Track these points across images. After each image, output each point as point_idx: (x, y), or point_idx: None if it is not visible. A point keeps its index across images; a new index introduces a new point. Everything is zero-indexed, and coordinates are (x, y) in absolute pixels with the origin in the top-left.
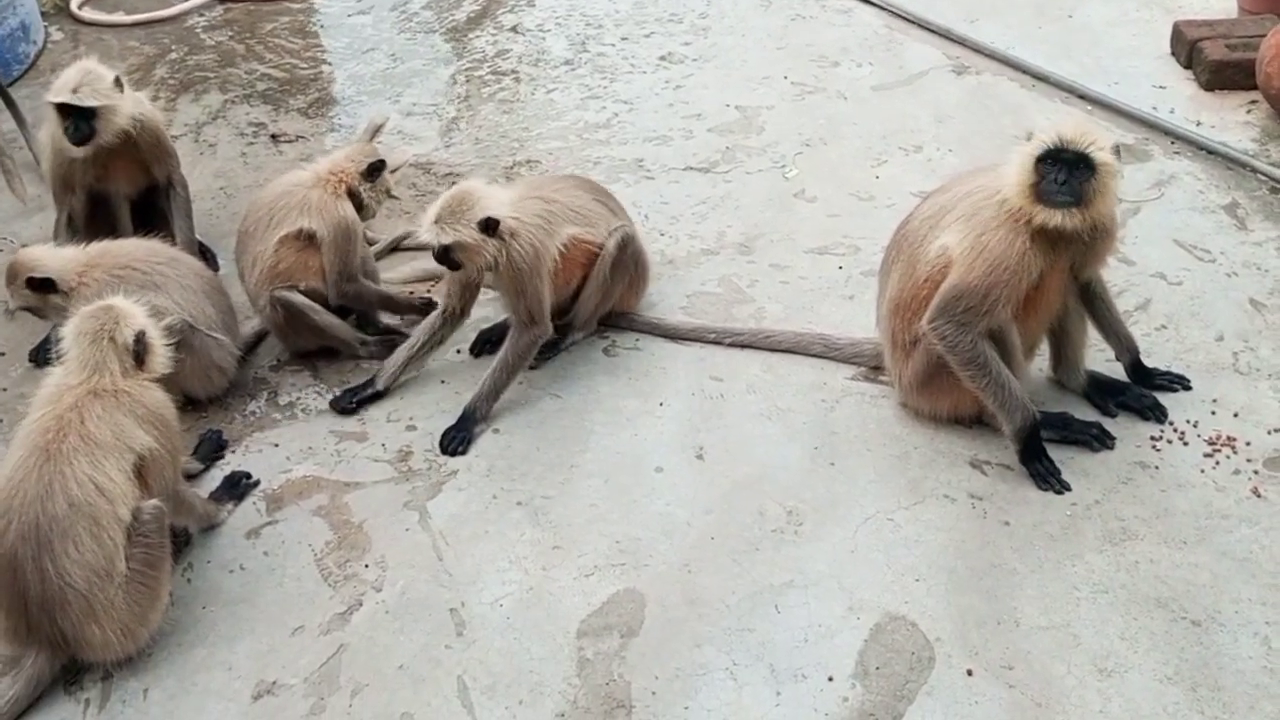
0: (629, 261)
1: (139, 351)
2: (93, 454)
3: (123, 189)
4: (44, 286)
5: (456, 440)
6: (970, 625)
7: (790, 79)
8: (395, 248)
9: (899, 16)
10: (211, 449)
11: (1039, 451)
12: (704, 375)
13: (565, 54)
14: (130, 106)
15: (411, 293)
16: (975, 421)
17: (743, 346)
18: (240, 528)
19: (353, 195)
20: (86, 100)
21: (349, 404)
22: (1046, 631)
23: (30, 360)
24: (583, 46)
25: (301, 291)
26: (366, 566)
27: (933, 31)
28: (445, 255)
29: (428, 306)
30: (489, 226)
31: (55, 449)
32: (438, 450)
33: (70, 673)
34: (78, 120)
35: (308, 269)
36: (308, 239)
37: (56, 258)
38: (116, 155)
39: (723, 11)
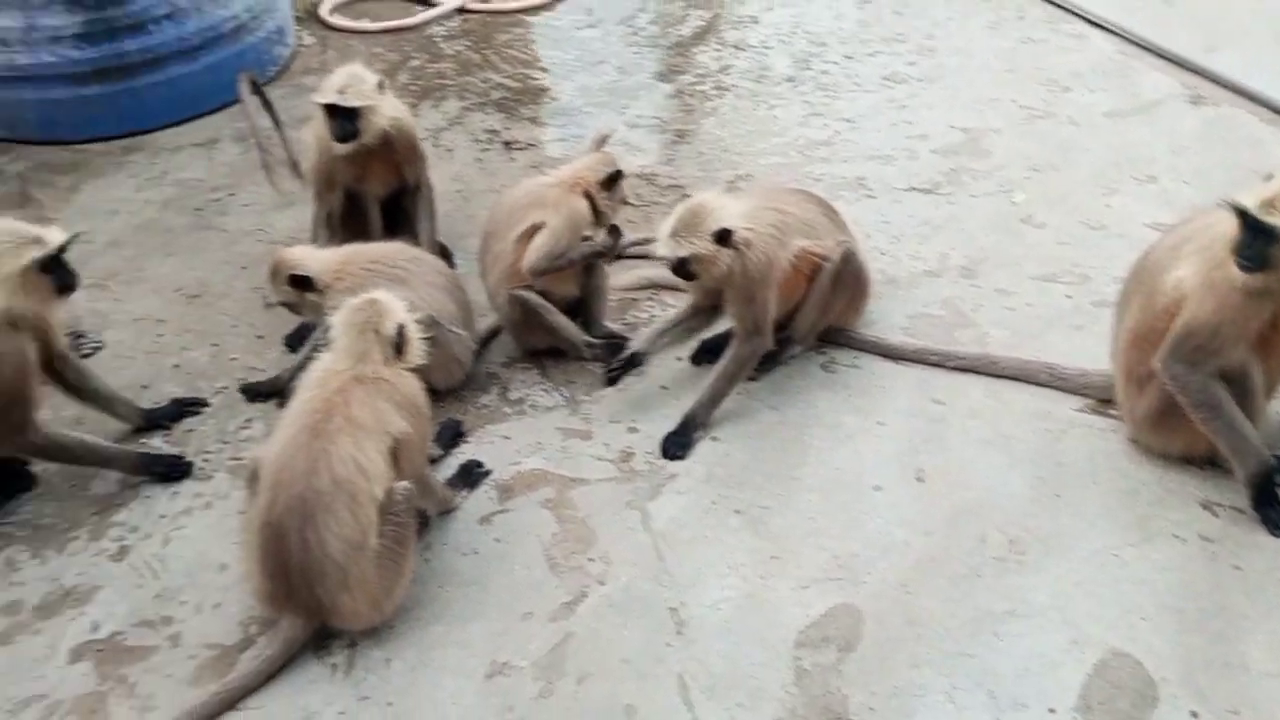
0: (851, 276)
1: (398, 343)
2: (355, 435)
3: (375, 189)
4: (303, 284)
5: (677, 445)
6: (1197, 667)
7: (1018, 103)
8: (620, 255)
9: (1133, 43)
10: (450, 437)
11: (1273, 497)
12: (925, 397)
13: (788, 71)
14: (389, 109)
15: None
16: (1208, 462)
17: (965, 371)
18: (474, 514)
19: (589, 201)
20: (351, 101)
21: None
22: (1276, 679)
23: (285, 345)
24: (806, 64)
25: (538, 291)
26: (591, 560)
27: (1168, 60)
28: (682, 267)
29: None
30: (724, 238)
31: (322, 428)
32: (659, 453)
33: (320, 638)
34: (343, 120)
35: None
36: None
37: (315, 258)
38: (373, 156)
39: (949, 33)
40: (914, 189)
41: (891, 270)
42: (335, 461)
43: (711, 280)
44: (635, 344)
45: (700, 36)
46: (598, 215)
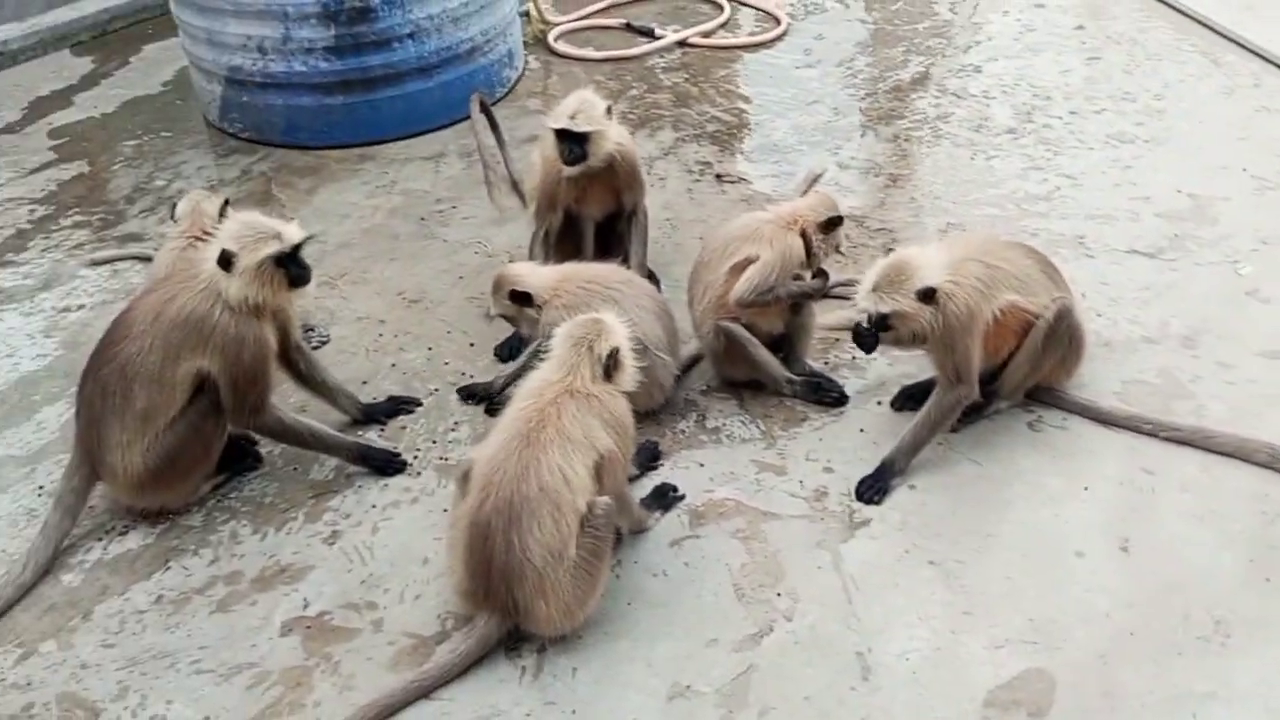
0: (1064, 335)
1: (609, 365)
2: (564, 447)
3: (593, 212)
4: (523, 299)
5: (873, 489)
6: None
7: (1250, 172)
8: (826, 295)
9: None
10: (647, 458)
11: None
12: (1134, 466)
13: (1009, 122)
14: (615, 135)
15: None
16: None
17: (1179, 443)
18: (665, 536)
19: (805, 240)
20: (582, 126)
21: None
22: None
23: (495, 355)
24: (1028, 116)
25: (743, 324)
26: (779, 595)
27: None
28: (881, 323)
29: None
30: (927, 296)
31: (534, 437)
32: (853, 495)
33: (513, 640)
34: (572, 144)
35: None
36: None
37: (535, 275)
38: (595, 180)
39: (1179, 95)
40: (1135, 252)
41: (1107, 333)
42: (544, 470)
43: (909, 334)
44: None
45: (919, 82)
46: (810, 255)
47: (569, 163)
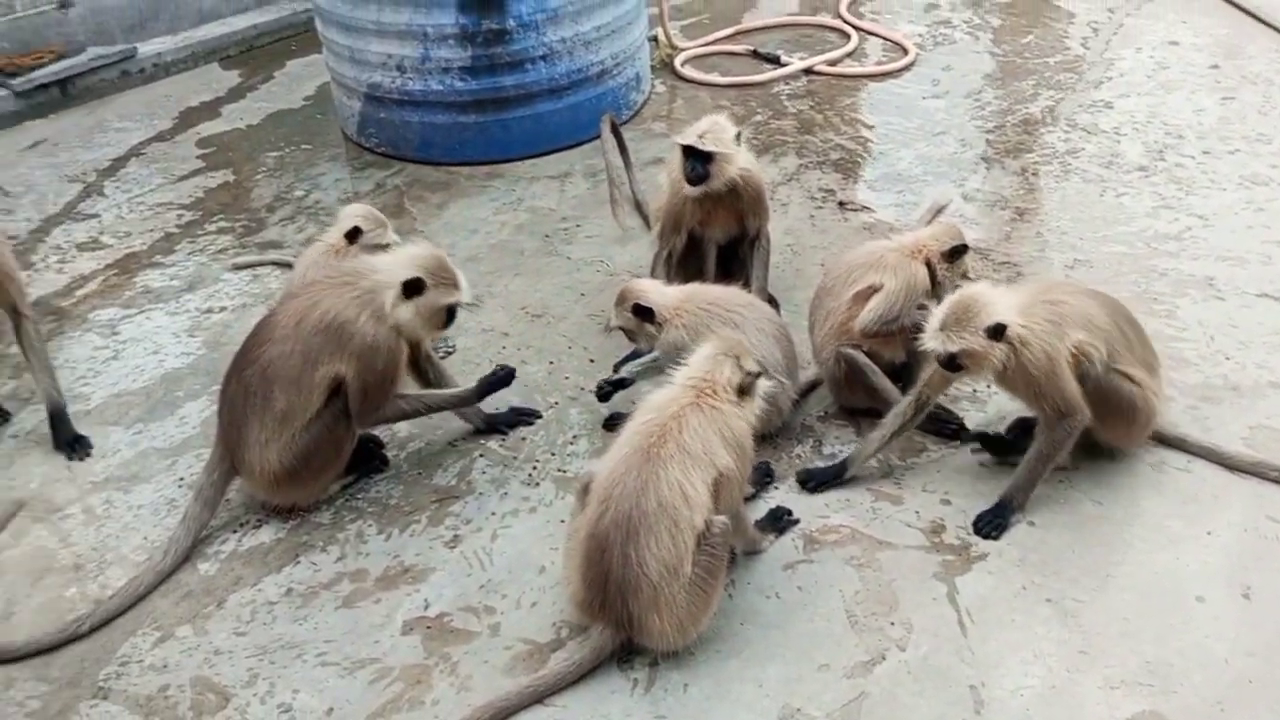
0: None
1: (745, 385)
2: (684, 462)
3: (716, 235)
4: (645, 315)
5: (992, 525)
6: None
7: None
8: None
9: None
10: (760, 478)
11: None
12: (1260, 513)
13: (1140, 160)
14: (741, 160)
15: None
16: None
17: None
18: (778, 559)
19: (929, 270)
20: (707, 146)
21: (813, 486)
22: None
23: (614, 371)
24: (1159, 155)
25: (866, 352)
26: (892, 624)
27: None
28: (950, 362)
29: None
30: (996, 333)
31: (656, 452)
32: (970, 529)
33: (626, 652)
34: (696, 162)
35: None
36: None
37: (659, 292)
38: (720, 203)
39: None
40: (1267, 295)
41: (1235, 377)
42: (664, 486)
43: (982, 373)
44: (851, 468)
45: (1049, 116)
46: (935, 285)
47: (691, 181)
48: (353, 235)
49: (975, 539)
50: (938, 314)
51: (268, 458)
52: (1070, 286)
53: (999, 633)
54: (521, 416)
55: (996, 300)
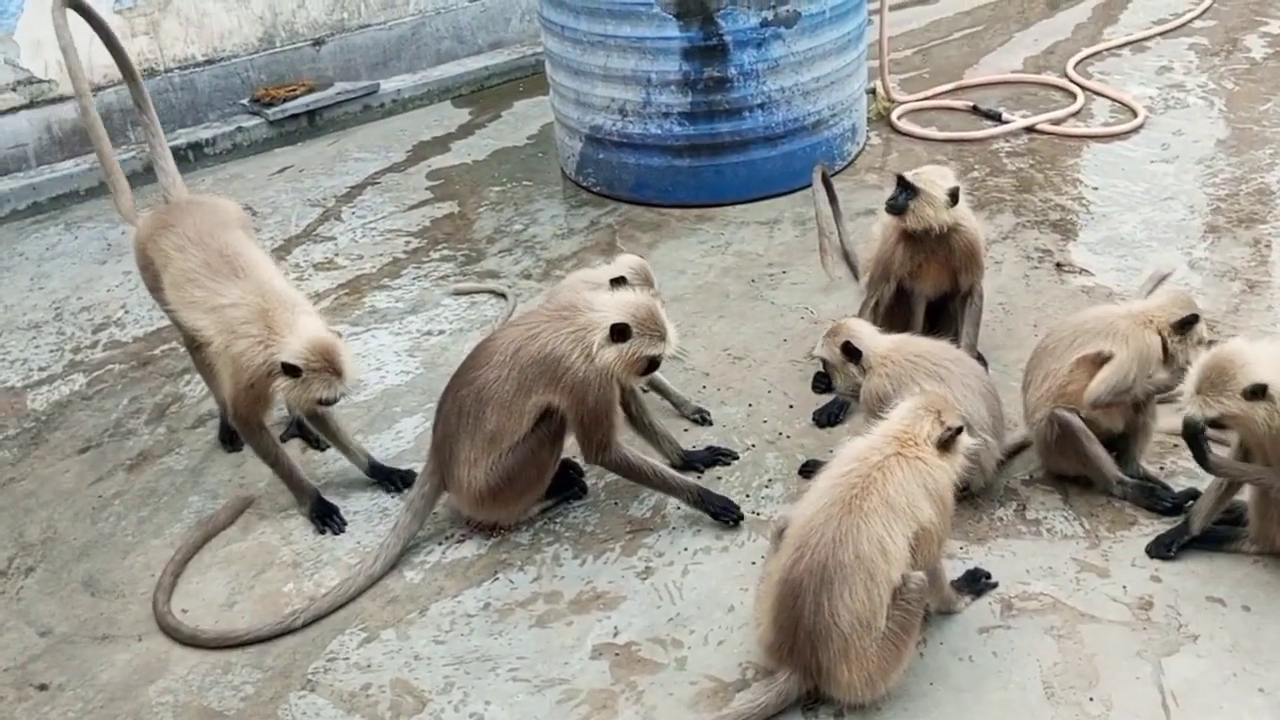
0: None
1: (946, 440)
2: (886, 517)
3: (926, 288)
4: (853, 355)
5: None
6: None
7: None
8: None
9: None
10: (976, 585)
11: None
12: None
13: None
14: (949, 211)
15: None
16: None
17: None
18: (974, 622)
19: (1161, 339)
20: (914, 180)
21: (1167, 553)
22: None
23: (813, 420)
24: None
25: (1082, 418)
26: (1091, 699)
27: None
28: (1206, 432)
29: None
30: (1257, 394)
31: (857, 504)
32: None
33: (810, 700)
34: (901, 191)
35: None
36: (1101, 363)
37: (871, 337)
38: (933, 256)
39: None
40: None
41: None
42: (863, 539)
43: (1251, 437)
44: (1195, 526)
45: None
46: (1166, 356)
47: (890, 208)
48: (616, 283)
49: (1186, 618)
50: (1192, 376)
51: (475, 476)
52: None
53: (1205, 719)
54: (719, 456)
55: (1255, 358)
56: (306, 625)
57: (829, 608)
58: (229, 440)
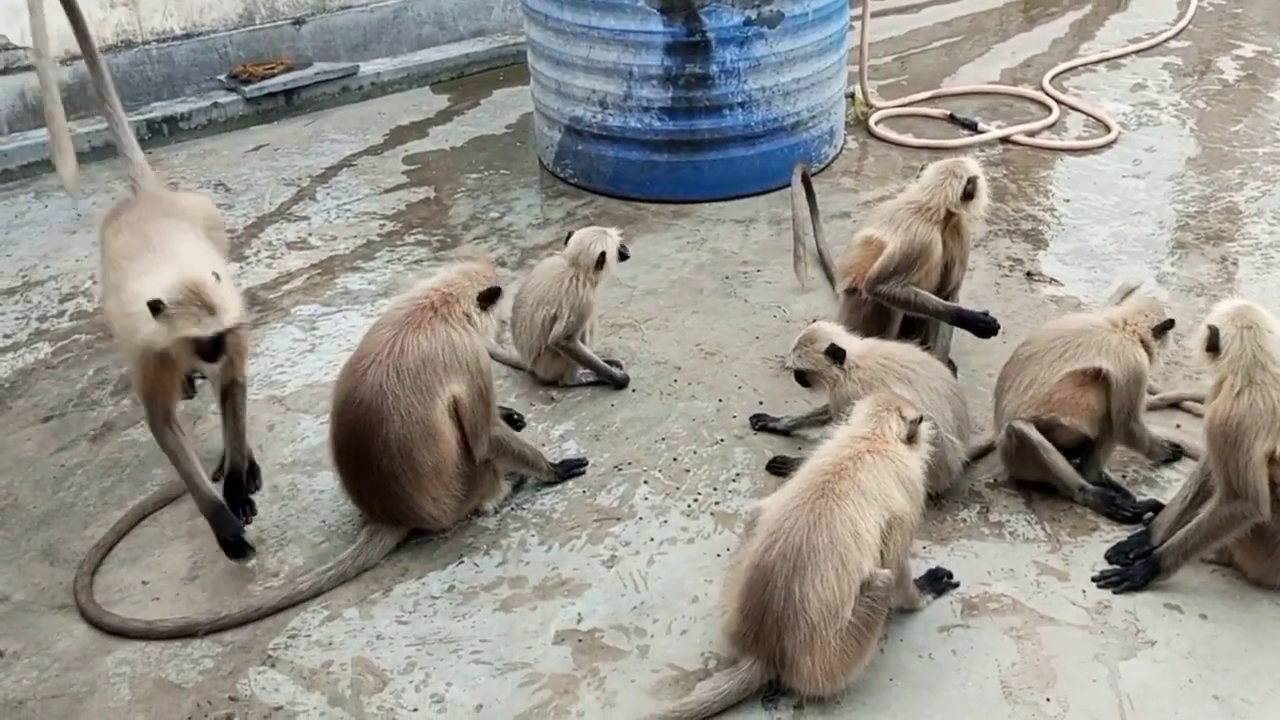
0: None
1: (912, 434)
2: (859, 500)
3: (925, 285)
4: (836, 357)
5: (1125, 578)
6: None
7: None
8: (1174, 405)
9: None
10: (939, 584)
11: None
12: None
13: None
14: (957, 203)
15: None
16: None
17: None
18: (934, 620)
19: (1145, 349)
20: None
21: (1126, 560)
22: None
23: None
24: None
25: (1065, 426)
26: (1048, 700)
27: None
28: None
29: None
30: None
31: (830, 488)
32: (1100, 576)
33: (772, 690)
34: (970, 178)
35: (1077, 406)
36: (1092, 378)
37: (846, 340)
38: (949, 241)
39: None
40: None
41: None
42: (837, 522)
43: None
44: (1163, 553)
45: (1253, 207)
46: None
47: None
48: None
49: (1143, 624)
50: None
51: (447, 506)
52: None
53: None
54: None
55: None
56: (274, 613)
57: (799, 593)
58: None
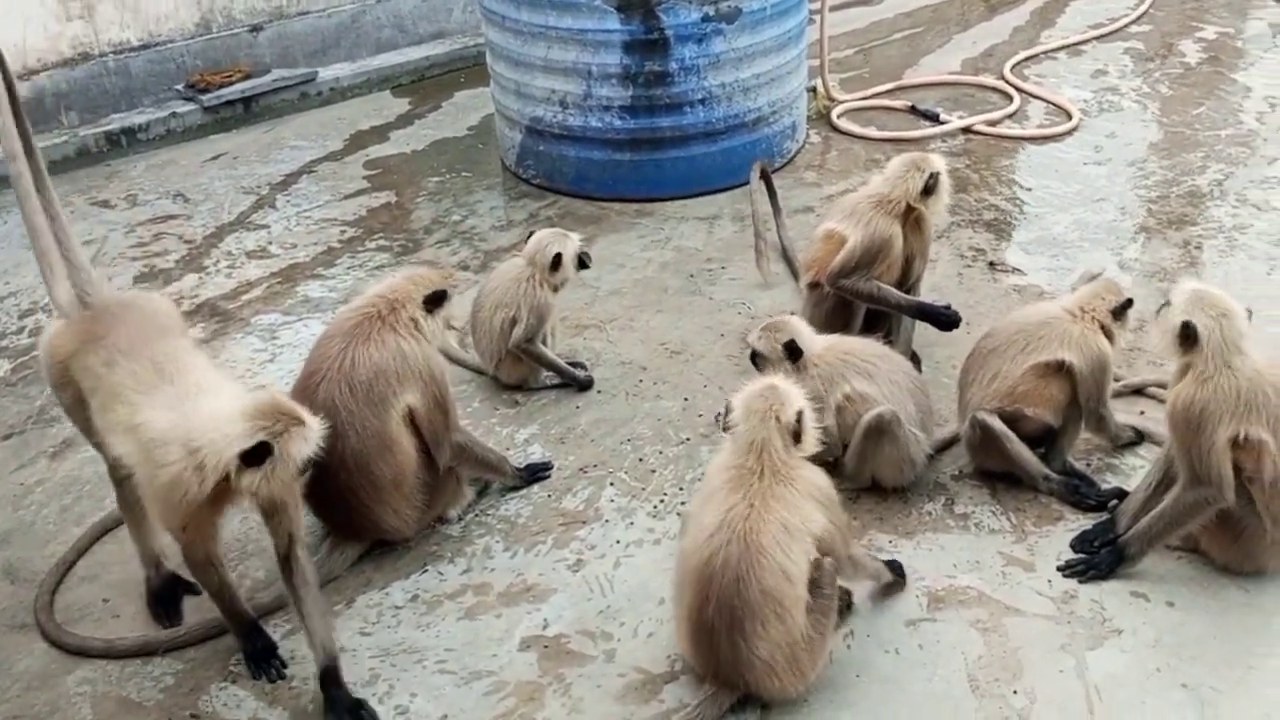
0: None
1: (797, 430)
2: (784, 543)
3: (886, 278)
4: (794, 354)
5: (1090, 567)
6: None
7: None
8: (1137, 391)
9: None
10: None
11: None
12: None
13: None
14: (935, 204)
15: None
16: None
17: None
18: (901, 614)
19: (1107, 335)
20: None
21: (1091, 549)
22: None
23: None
24: None
25: (1028, 417)
26: (1015, 693)
27: None
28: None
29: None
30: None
31: (752, 540)
32: (1066, 565)
33: (739, 704)
34: (932, 174)
35: (1041, 397)
36: (1055, 369)
37: (808, 337)
38: (911, 233)
39: None
40: None
41: None
42: (765, 574)
43: None
44: (1129, 545)
45: (1216, 190)
46: (1111, 344)
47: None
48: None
49: (1110, 613)
50: None
51: (409, 517)
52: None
53: (1128, 713)
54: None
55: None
56: (168, 652)
57: (745, 646)
58: (164, 607)
